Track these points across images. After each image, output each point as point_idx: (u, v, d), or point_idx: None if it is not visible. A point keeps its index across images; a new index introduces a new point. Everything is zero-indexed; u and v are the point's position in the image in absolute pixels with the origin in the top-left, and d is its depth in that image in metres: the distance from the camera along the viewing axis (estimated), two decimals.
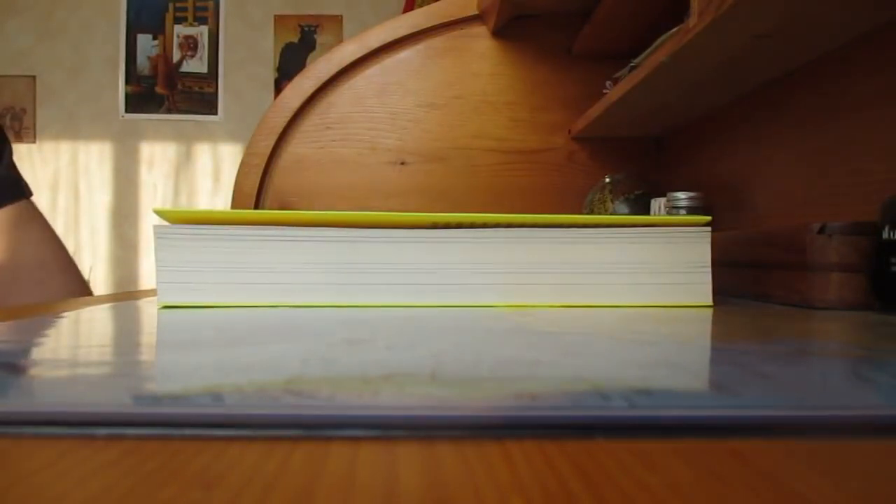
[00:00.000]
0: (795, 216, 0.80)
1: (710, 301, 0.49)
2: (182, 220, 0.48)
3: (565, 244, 0.48)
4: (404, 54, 1.24)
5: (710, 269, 0.49)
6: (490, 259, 0.48)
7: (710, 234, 0.49)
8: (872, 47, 0.66)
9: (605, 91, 1.16)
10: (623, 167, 1.24)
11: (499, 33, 1.24)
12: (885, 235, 0.46)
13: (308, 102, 1.24)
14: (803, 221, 0.73)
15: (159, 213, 0.47)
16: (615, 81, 1.14)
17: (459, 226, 0.48)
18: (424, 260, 0.48)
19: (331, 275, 0.48)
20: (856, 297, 0.48)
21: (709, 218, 0.48)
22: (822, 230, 0.49)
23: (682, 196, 0.96)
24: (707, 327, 0.35)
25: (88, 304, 0.51)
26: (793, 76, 0.81)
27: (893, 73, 0.63)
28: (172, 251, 0.47)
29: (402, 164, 1.24)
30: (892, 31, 0.63)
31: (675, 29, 0.80)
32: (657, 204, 1.00)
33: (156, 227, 0.47)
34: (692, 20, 0.70)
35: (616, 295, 0.48)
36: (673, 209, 0.96)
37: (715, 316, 0.42)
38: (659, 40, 0.86)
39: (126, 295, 0.66)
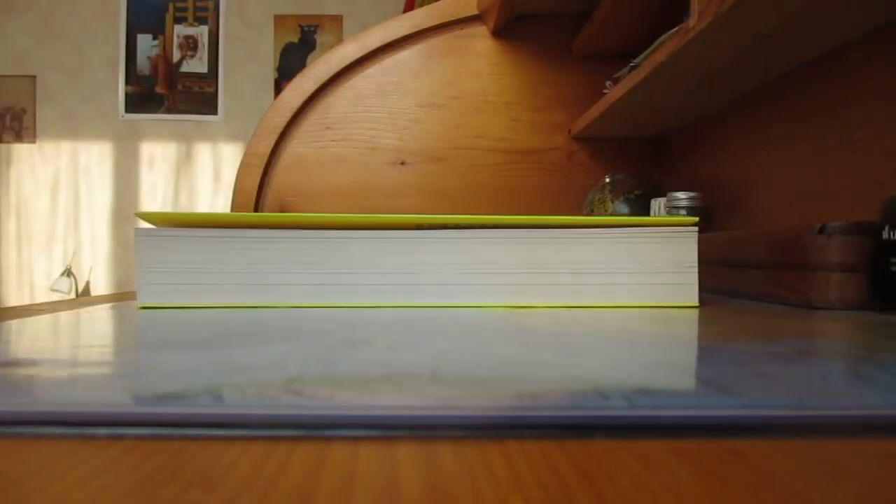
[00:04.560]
0: (795, 216, 0.80)
1: (695, 301, 0.49)
2: (165, 222, 0.48)
3: (555, 244, 0.48)
4: (404, 54, 1.24)
5: (696, 270, 0.49)
6: (481, 260, 0.48)
7: (696, 234, 0.49)
8: (872, 47, 0.66)
9: (605, 91, 1.16)
10: (623, 167, 1.24)
11: (499, 33, 1.24)
12: (885, 235, 0.46)
13: (308, 102, 1.24)
14: (803, 221, 0.73)
15: (142, 216, 0.47)
16: (615, 81, 1.14)
17: (444, 227, 0.48)
18: (411, 261, 0.48)
19: (311, 275, 0.48)
20: (856, 297, 0.48)
21: (696, 219, 0.48)
22: (822, 230, 0.49)
23: (681, 196, 0.96)
24: (707, 327, 0.35)
25: (88, 305, 0.51)
26: (793, 76, 0.81)
27: (893, 72, 0.63)
28: (154, 253, 0.47)
29: (403, 164, 1.24)
30: (892, 31, 0.63)
31: (675, 29, 0.80)
32: (657, 204, 1.00)
33: (137, 230, 0.47)
34: (692, 20, 0.70)
35: (604, 295, 0.48)
36: (673, 209, 0.96)
37: (715, 316, 0.42)
38: (659, 40, 0.86)
39: (124, 296, 0.66)
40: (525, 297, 0.48)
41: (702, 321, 0.38)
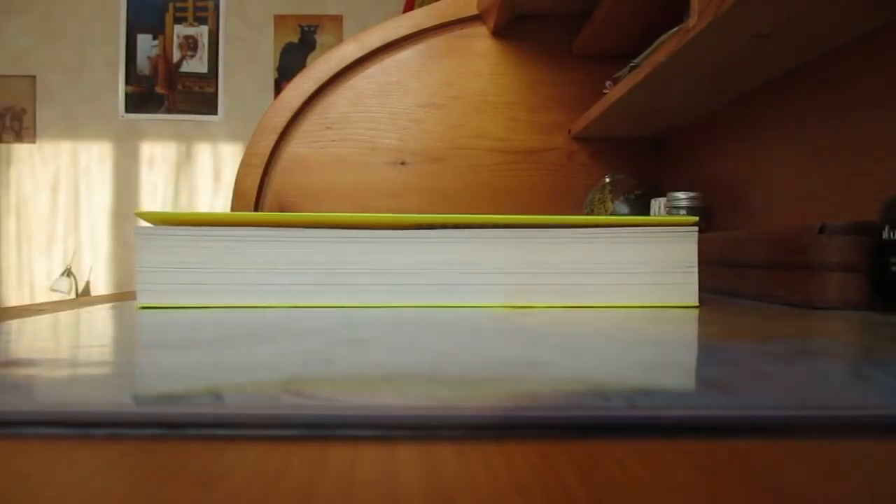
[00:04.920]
0: (795, 216, 0.80)
1: (695, 301, 0.49)
2: (165, 222, 0.48)
3: (555, 244, 0.48)
4: (404, 54, 1.24)
5: (696, 270, 0.49)
6: (481, 260, 0.48)
7: (696, 234, 0.49)
8: (872, 47, 0.66)
9: (605, 91, 1.16)
10: (623, 167, 1.24)
11: (499, 33, 1.24)
12: (885, 235, 0.46)
13: (308, 102, 1.24)
14: (803, 221, 0.73)
15: (142, 216, 0.47)
16: (615, 81, 1.14)
17: (444, 227, 0.48)
18: (411, 261, 0.48)
19: (311, 275, 0.48)
20: (856, 297, 0.48)
21: (696, 219, 0.48)
22: (822, 230, 0.49)
23: (681, 196, 0.96)
24: (707, 327, 0.35)
25: (88, 305, 0.51)
26: (792, 76, 0.81)
27: (893, 73, 0.63)
28: (154, 253, 0.47)
29: (403, 164, 1.24)
30: (891, 31, 0.63)
31: (675, 29, 0.80)
32: (657, 204, 1.00)
33: (137, 229, 0.47)
34: (692, 20, 0.70)
35: (604, 295, 0.48)
36: (673, 209, 0.96)
37: (715, 316, 0.42)
38: (659, 40, 0.86)
39: (124, 296, 0.66)
40: (525, 297, 0.48)
41: (702, 321, 0.38)
